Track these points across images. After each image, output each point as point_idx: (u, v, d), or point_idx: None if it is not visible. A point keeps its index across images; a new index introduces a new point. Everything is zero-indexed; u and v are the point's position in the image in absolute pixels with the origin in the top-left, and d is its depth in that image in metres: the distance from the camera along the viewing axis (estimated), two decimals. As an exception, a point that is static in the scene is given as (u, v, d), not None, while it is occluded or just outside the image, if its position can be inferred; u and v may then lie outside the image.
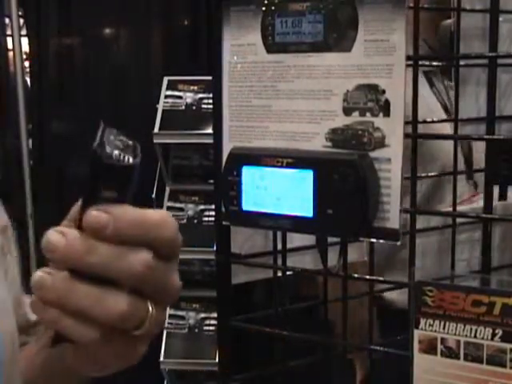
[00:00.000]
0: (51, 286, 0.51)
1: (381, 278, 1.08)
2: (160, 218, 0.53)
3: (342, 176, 0.93)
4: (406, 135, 0.94)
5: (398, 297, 1.55)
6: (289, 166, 0.98)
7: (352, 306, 1.08)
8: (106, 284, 0.51)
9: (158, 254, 0.52)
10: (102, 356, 0.55)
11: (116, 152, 0.51)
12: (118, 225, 0.50)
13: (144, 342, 0.55)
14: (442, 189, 1.52)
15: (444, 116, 1.74)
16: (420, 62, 1.02)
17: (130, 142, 0.52)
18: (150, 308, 0.53)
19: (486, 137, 1.12)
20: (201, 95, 2.75)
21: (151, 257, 0.51)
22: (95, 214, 0.50)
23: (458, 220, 1.14)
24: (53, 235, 0.51)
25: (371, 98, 0.93)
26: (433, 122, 1.70)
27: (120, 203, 0.51)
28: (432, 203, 1.59)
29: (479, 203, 1.14)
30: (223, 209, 1.06)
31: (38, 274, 0.52)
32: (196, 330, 2.71)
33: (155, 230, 0.52)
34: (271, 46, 1.01)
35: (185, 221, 2.74)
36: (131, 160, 0.51)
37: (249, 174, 1.01)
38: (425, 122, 1.66)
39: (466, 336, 0.89)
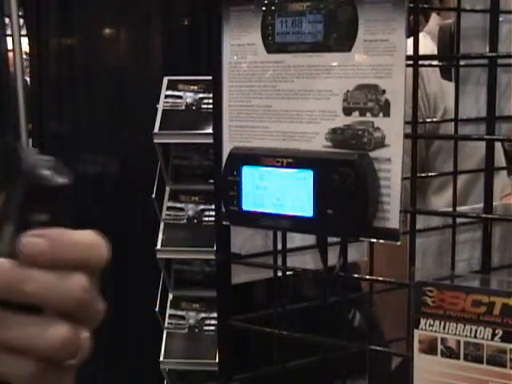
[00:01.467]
0: None
1: (380, 278, 1.08)
2: (93, 239, 0.50)
3: (342, 176, 0.93)
4: (406, 135, 0.94)
5: None
6: (289, 166, 0.98)
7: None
8: (38, 312, 0.48)
9: (89, 275, 0.49)
10: None
11: (47, 172, 0.49)
12: (54, 249, 0.48)
13: (74, 371, 0.51)
14: (478, 185, 1.51)
15: None
16: (420, 62, 1.01)
17: (58, 162, 0.50)
18: (84, 333, 0.50)
19: (486, 137, 1.12)
20: (201, 95, 2.75)
21: (87, 280, 0.49)
22: (31, 240, 0.47)
23: (459, 220, 1.14)
24: None
25: (371, 98, 0.93)
26: (432, 122, 1.71)
27: (54, 226, 0.48)
28: (467, 201, 1.58)
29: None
30: (223, 209, 1.06)
31: None
32: (196, 330, 2.71)
33: (90, 252, 0.50)
34: (271, 46, 1.01)
35: (185, 221, 2.74)
36: (63, 180, 0.49)
37: (249, 174, 1.01)
38: (424, 122, 1.66)
39: (466, 336, 0.89)
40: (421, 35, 1.01)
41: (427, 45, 1.50)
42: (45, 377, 0.49)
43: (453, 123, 1.13)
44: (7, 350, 0.47)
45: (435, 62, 1.34)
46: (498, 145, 1.38)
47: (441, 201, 1.71)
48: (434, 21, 1.82)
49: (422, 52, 0.99)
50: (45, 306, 0.48)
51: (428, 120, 1.72)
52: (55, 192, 0.49)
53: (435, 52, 1.32)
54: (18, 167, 0.48)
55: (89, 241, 0.50)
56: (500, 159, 1.61)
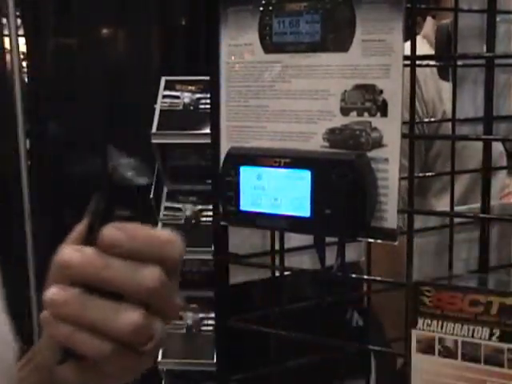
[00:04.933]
0: (65, 301, 0.53)
1: (378, 278, 1.08)
2: (169, 236, 0.55)
3: (340, 176, 0.93)
4: (404, 135, 0.94)
5: None
6: (286, 166, 0.98)
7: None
8: (117, 299, 0.53)
9: (166, 271, 0.54)
10: (110, 371, 0.55)
11: (129, 173, 0.52)
12: (131, 242, 0.53)
13: (150, 356, 0.56)
14: (478, 190, 1.51)
15: None
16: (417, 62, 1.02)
17: (140, 164, 0.54)
18: (158, 323, 0.54)
19: (483, 137, 1.12)
20: (198, 95, 2.75)
21: (161, 273, 0.53)
22: (112, 232, 0.53)
23: (456, 220, 1.14)
24: (68, 252, 0.54)
25: (369, 98, 0.93)
26: (430, 122, 1.71)
27: (132, 221, 0.54)
28: (470, 202, 1.58)
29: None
30: (221, 209, 1.06)
31: (51, 291, 0.53)
32: (194, 330, 2.71)
33: (165, 248, 0.54)
34: (269, 46, 1.01)
35: (182, 221, 2.74)
36: (143, 180, 0.53)
37: (246, 174, 1.01)
38: (422, 122, 1.66)
39: (464, 336, 0.89)
40: (417, 39, 1.01)
41: (424, 50, 1.51)
42: (119, 358, 0.54)
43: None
44: (86, 329, 0.53)
45: (433, 63, 1.34)
46: (497, 145, 1.38)
47: (441, 204, 1.71)
48: (430, 24, 1.82)
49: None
50: (121, 292, 0.53)
51: (426, 120, 1.72)
52: (136, 191, 0.53)
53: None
54: (105, 169, 0.52)
55: (165, 238, 0.54)
56: (499, 159, 1.61)
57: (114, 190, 0.54)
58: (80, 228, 0.57)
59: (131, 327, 0.53)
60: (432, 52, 1.62)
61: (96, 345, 0.53)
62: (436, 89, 1.73)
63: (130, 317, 0.53)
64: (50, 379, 0.59)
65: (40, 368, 0.63)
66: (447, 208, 1.16)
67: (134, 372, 0.57)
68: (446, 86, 1.60)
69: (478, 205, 1.13)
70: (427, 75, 1.64)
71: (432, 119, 1.74)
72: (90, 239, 0.54)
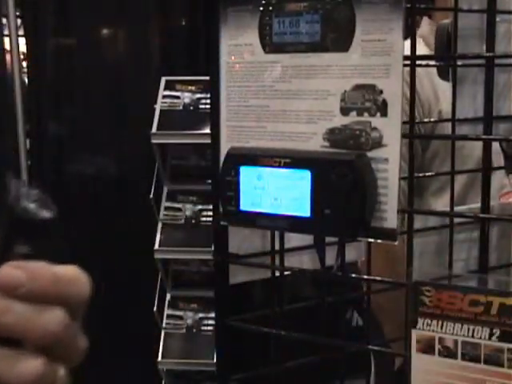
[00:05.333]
0: None
1: (378, 278, 1.08)
2: (75, 275, 0.50)
3: (340, 176, 0.93)
4: (404, 135, 0.94)
5: None
6: (286, 166, 0.98)
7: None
8: (14, 345, 0.48)
9: (70, 311, 0.50)
10: None
11: (32, 206, 0.50)
12: (32, 282, 0.48)
13: None
14: (477, 187, 1.51)
15: None
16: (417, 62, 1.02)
17: (44, 195, 0.50)
18: (61, 370, 0.50)
19: (483, 137, 1.12)
20: (198, 95, 2.75)
21: (65, 315, 0.49)
22: (9, 272, 0.48)
23: (456, 220, 1.14)
24: None
25: (369, 98, 0.93)
26: (429, 122, 1.71)
27: (35, 258, 0.49)
28: (467, 201, 1.58)
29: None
30: (221, 209, 1.06)
31: None
32: (194, 330, 2.71)
33: (69, 287, 0.50)
34: (269, 46, 1.01)
35: (183, 221, 2.74)
36: (47, 214, 0.50)
37: (246, 174, 1.01)
38: (422, 122, 1.66)
39: (464, 336, 0.89)
40: None
41: (420, 49, 1.51)
42: None
43: (449, 125, 1.14)
44: None
45: (433, 63, 1.34)
46: (495, 145, 1.38)
47: (439, 203, 1.71)
48: (426, 24, 1.82)
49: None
50: (22, 338, 0.48)
51: (426, 120, 1.72)
52: (39, 225, 0.49)
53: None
54: (3, 200, 0.49)
55: (69, 276, 0.50)
56: (497, 159, 1.61)
57: (14, 224, 0.50)
58: None
59: (32, 377, 0.48)
60: (428, 52, 1.62)
61: None
62: (432, 89, 1.73)
63: (29, 366, 0.48)
64: None
65: None
66: (446, 208, 1.16)
67: None
68: (442, 86, 1.60)
69: (478, 205, 1.13)
70: (422, 75, 1.64)
71: (426, 119, 1.74)
72: None
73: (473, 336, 0.88)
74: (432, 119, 1.74)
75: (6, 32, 3.09)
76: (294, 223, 0.99)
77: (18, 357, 0.48)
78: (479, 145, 1.12)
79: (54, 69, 3.20)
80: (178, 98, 2.76)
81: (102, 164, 3.11)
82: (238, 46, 1.03)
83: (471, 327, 0.88)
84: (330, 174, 0.94)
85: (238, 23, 1.03)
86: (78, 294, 0.50)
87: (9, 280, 0.48)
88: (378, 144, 0.93)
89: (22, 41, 3.19)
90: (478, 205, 1.13)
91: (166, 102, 2.75)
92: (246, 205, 1.02)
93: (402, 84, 0.91)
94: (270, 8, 1.00)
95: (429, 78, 1.68)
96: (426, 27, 1.80)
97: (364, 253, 1.20)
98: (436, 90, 1.72)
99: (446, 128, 1.15)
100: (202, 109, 2.71)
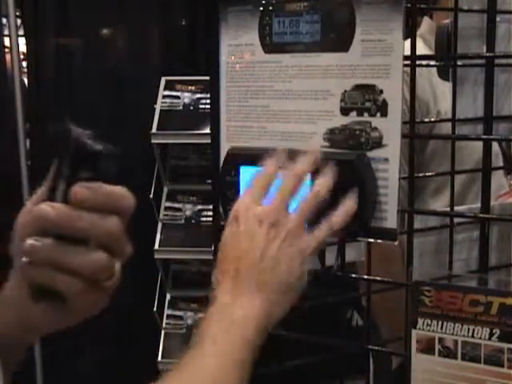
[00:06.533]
0: (42, 249, 0.64)
1: (378, 278, 1.08)
2: (122, 191, 0.67)
3: (340, 176, 0.93)
4: (404, 135, 0.94)
5: None
6: (286, 166, 0.98)
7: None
8: (84, 244, 0.65)
9: (121, 220, 0.67)
10: (78, 306, 0.68)
11: (89, 141, 0.66)
12: (96, 197, 0.65)
13: (109, 293, 0.69)
14: (475, 187, 1.51)
15: None
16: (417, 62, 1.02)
17: (94, 134, 0.66)
18: (117, 264, 0.68)
19: (483, 137, 1.12)
20: (198, 95, 2.75)
21: (119, 221, 0.67)
22: (80, 190, 0.64)
23: (456, 220, 1.14)
24: (45, 207, 0.65)
25: (368, 98, 0.93)
26: (430, 122, 1.71)
27: (94, 180, 0.65)
28: (466, 201, 1.58)
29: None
30: (221, 209, 1.06)
31: (30, 241, 0.64)
32: (194, 330, 2.71)
33: (120, 201, 0.67)
34: (269, 46, 1.01)
35: (182, 221, 2.74)
36: (99, 147, 0.65)
37: (246, 174, 1.01)
38: (422, 122, 1.66)
39: (464, 336, 0.89)
40: None
41: (420, 48, 1.51)
42: (89, 293, 0.66)
43: (448, 125, 1.14)
44: (63, 271, 0.64)
45: (433, 63, 1.34)
46: (494, 145, 1.38)
47: (438, 203, 1.71)
48: (426, 24, 1.82)
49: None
50: (89, 238, 0.65)
51: (426, 120, 1.72)
52: (96, 155, 0.65)
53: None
54: (68, 138, 0.66)
55: (120, 193, 0.67)
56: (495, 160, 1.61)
57: (78, 155, 0.61)
58: (41, 190, 0.68)
59: (98, 265, 0.65)
60: (427, 51, 1.62)
61: (71, 282, 0.65)
62: (430, 89, 1.72)
63: (97, 257, 0.65)
64: (16, 315, 0.70)
65: (7, 305, 0.71)
66: (445, 208, 1.16)
67: (96, 307, 0.70)
68: (441, 86, 1.60)
69: (477, 205, 1.13)
70: (420, 75, 1.64)
71: (425, 119, 1.74)
72: (51, 198, 0.65)
73: (473, 336, 0.88)
74: (431, 119, 1.74)
75: (6, 32, 3.09)
76: (294, 223, 0.99)
77: (89, 251, 0.65)
78: (479, 145, 1.12)
79: (54, 69, 3.20)
80: (178, 97, 2.76)
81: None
82: (238, 46, 1.03)
83: (471, 327, 0.88)
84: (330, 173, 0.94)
85: (237, 23, 1.03)
86: (126, 205, 0.68)
87: (79, 196, 0.64)
88: (378, 144, 0.93)
89: (22, 41, 3.19)
90: (478, 205, 1.13)
91: (166, 102, 2.75)
92: (245, 205, 1.02)
93: (402, 84, 0.91)
94: (270, 8, 1.00)
95: (428, 78, 1.68)
96: (425, 27, 1.80)
97: (364, 253, 1.20)
98: (435, 90, 1.72)
99: (445, 127, 1.15)
100: (201, 109, 2.71)
